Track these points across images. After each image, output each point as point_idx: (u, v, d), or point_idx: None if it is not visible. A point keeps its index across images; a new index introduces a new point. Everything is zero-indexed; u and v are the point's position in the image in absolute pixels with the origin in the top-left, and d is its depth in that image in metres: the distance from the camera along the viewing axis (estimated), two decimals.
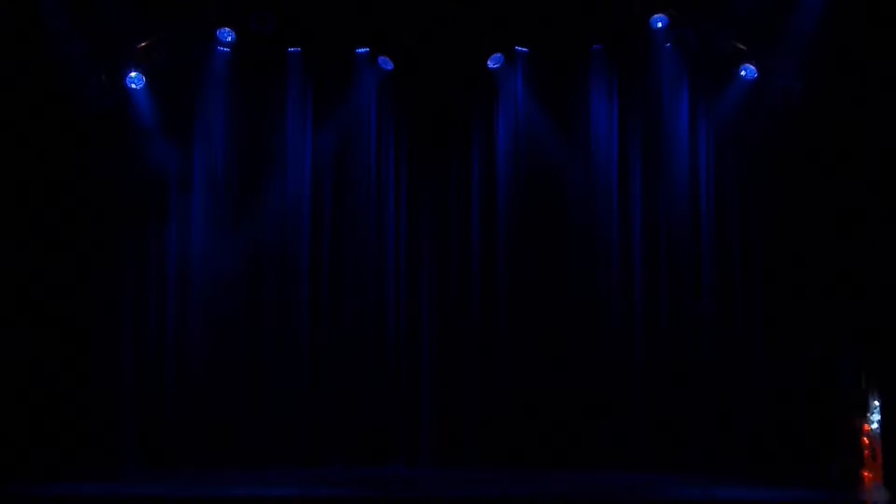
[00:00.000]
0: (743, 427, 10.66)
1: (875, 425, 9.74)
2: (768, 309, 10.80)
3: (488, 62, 11.25)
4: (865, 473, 9.68)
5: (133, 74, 10.72)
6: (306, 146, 11.37)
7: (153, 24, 10.62)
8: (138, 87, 10.82)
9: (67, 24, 10.46)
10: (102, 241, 10.85)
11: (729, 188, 11.09)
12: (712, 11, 10.64)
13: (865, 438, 9.76)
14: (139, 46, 10.70)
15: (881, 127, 9.50)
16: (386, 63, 11.29)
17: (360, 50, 11.26)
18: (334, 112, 11.41)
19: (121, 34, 10.61)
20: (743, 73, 10.83)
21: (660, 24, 10.84)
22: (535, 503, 8.70)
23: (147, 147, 11.06)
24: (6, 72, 10.09)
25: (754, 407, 10.69)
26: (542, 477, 9.91)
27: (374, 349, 11.17)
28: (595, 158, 11.25)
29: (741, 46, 10.75)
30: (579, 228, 11.19)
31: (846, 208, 10.35)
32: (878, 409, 9.73)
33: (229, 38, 10.86)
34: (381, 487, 9.41)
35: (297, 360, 11.07)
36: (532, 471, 10.31)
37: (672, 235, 11.05)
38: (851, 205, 10.18)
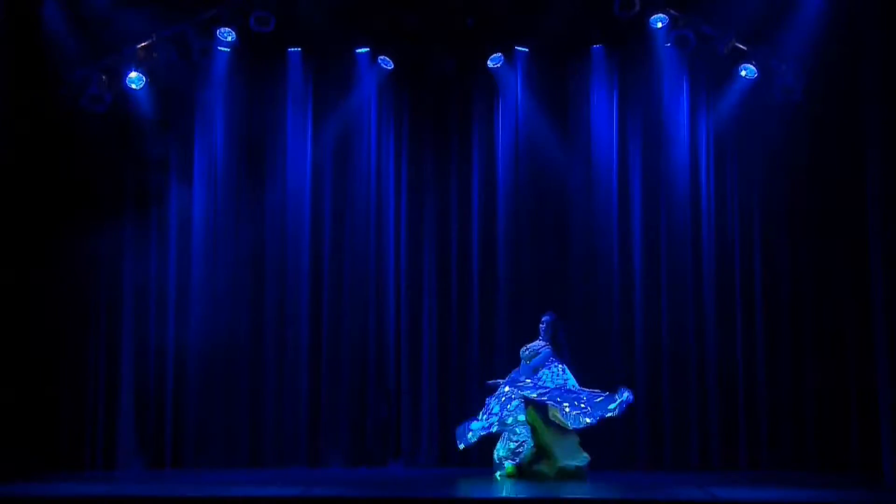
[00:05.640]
0: (743, 426, 10.71)
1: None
2: (769, 308, 10.82)
3: (488, 62, 11.26)
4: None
5: (133, 74, 10.72)
6: (306, 146, 11.38)
7: (153, 23, 10.62)
8: (138, 88, 10.82)
9: (67, 25, 10.48)
10: (103, 240, 10.85)
11: (729, 188, 11.11)
12: (712, 11, 10.64)
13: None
14: (139, 46, 10.70)
15: (881, 126, 9.49)
16: (386, 63, 11.30)
17: (359, 50, 11.27)
18: (334, 112, 11.42)
19: (121, 34, 10.62)
20: (743, 73, 10.83)
21: (660, 24, 10.84)
22: (536, 503, 8.70)
23: (147, 147, 11.07)
24: (6, 72, 10.08)
25: (755, 406, 10.72)
26: None
27: (375, 348, 11.18)
28: (595, 158, 11.26)
29: (741, 46, 10.75)
30: (579, 228, 11.20)
31: (846, 207, 10.37)
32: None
33: (229, 38, 10.85)
34: (381, 487, 9.41)
35: (298, 359, 11.08)
36: None
37: (672, 235, 11.06)
38: (851, 204, 10.19)
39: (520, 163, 11.34)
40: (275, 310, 11.15)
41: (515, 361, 10.09)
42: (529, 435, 9.74)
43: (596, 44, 11.26)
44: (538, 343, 10.01)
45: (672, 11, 10.75)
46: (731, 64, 10.88)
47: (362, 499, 8.70)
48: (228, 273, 11.10)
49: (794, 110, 10.75)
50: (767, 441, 10.66)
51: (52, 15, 10.42)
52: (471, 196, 11.43)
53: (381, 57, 11.30)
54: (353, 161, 11.45)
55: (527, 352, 9.98)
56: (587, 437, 9.93)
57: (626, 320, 11.00)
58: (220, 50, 10.95)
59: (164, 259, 11.08)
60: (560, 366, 9.89)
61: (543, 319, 10.04)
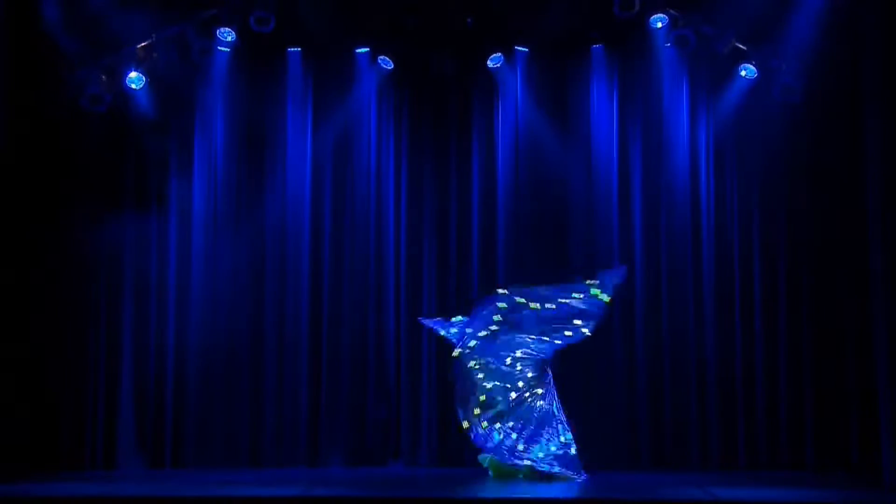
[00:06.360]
0: (743, 426, 10.72)
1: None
2: (768, 308, 10.82)
3: (488, 62, 11.25)
4: None
5: (133, 74, 10.72)
6: (306, 146, 11.38)
7: (153, 23, 10.62)
8: (138, 88, 10.81)
9: (67, 24, 10.48)
10: (103, 240, 10.84)
11: (729, 188, 11.11)
12: (712, 11, 10.64)
13: None
14: (139, 46, 10.70)
15: (881, 126, 9.49)
16: (386, 63, 11.30)
17: (359, 50, 11.27)
18: (334, 112, 11.43)
19: (121, 34, 10.62)
20: (743, 73, 10.83)
21: (660, 24, 10.84)
22: (535, 503, 8.70)
23: (147, 147, 11.07)
24: (6, 72, 10.08)
25: (754, 406, 10.72)
26: None
27: (375, 348, 11.18)
28: (595, 158, 11.26)
29: (741, 46, 10.75)
30: (579, 228, 11.20)
31: (846, 207, 10.37)
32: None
33: (229, 38, 10.85)
34: (381, 487, 9.41)
35: (298, 359, 11.09)
36: None
37: (672, 235, 11.06)
38: (851, 204, 10.19)
39: (520, 163, 11.34)
40: (275, 310, 11.16)
41: None
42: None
43: (596, 44, 11.26)
44: None
45: (672, 11, 10.75)
46: (731, 64, 10.87)
47: (362, 499, 8.71)
48: (228, 273, 11.10)
49: (794, 110, 10.76)
50: (767, 441, 10.65)
51: (51, 15, 10.41)
52: (471, 196, 11.42)
53: (381, 57, 11.29)
54: (353, 161, 11.44)
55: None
56: (587, 436, 9.95)
57: (627, 320, 11.00)
58: (220, 50, 10.94)
59: (163, 259, 11.08)
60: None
61: None
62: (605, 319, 9.91)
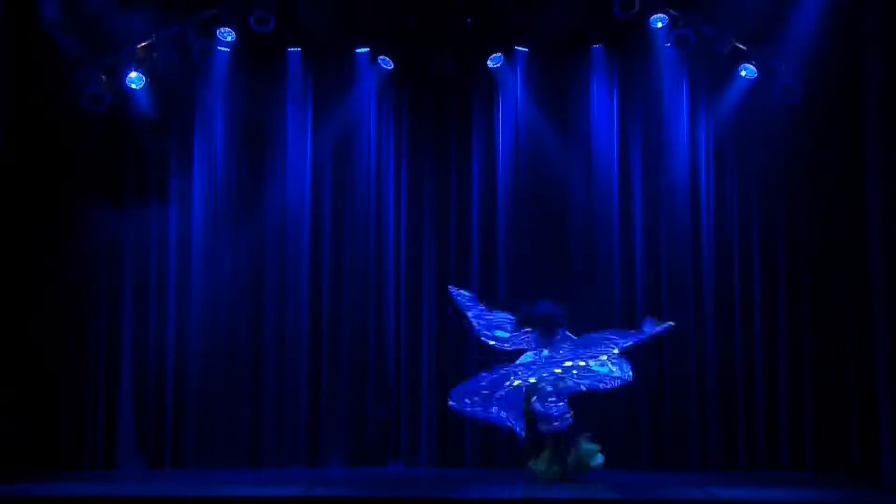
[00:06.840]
0: (743, 426, 10.72)
1: None
2: (768, 308, 10.82)
3: (488, 62, 11.26)
4: None
5: (133, 74, 10.72)
6: (306, 146, 11.38)
7: (153, 23, 10.63)
8: (138, 88, 10.82)
9: (67, 24, 10.48)
10: (103, 240, 10.84)
11: (729, 188, 11.11)
12: (712, 11, 10.65)
13: None
14: (139, 46, 10.71)
15: (881, 126, 9.49)
16: (386, 63, 11.31)
17: (359, 50, 11.28)
18: (334, 112, 11.43)
19: (121, 34, 10.63)
20: (743, 73, 10.83)
21: (660, 24, 10.84)
22: (536, 503, 8.70)
23: (147, 147, 11.08)
24: (6, 72, 10.08)
25: (754, 406, 10.72)
26: None
27: (375, 348, 11.18)
28: (595, 158, 11.27)
29: (741, 46, 10.76)
30: (579, 229, 11.21)
31: (846, 208, 10.37)
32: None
33: (229, 38, 10.85)
34: (381, 487, 9.41)
35: (298, 358, 11.09)
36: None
37: (672, 234, 11.06)
38: (851, 204, 10.19)
39: (520, 162, 11.34)
40: (275, 310, 11.16)
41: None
42: None
43: (596, 44, 11.26)
44: None
45: (672, 11, 10.76)
46: (731, 64, 10.88)
47: (362, 499, 8.71)
48: (228, 273, 11.10)
49: (794, 110, 10.76)
50: (767, 441, 10.66)
51: (51, 15, 10.42)
52: (471, 196, 11.42)
53: (381, 57, 11.30)
54: (353, 161, 11.45)
55: None
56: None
57: (627, 321, 10.98)
58: (220, 50, 10.95)
59: (163, 259, 11.09)
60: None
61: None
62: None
